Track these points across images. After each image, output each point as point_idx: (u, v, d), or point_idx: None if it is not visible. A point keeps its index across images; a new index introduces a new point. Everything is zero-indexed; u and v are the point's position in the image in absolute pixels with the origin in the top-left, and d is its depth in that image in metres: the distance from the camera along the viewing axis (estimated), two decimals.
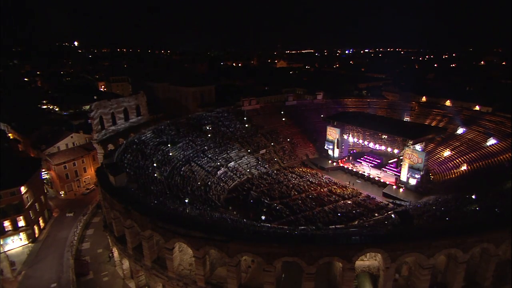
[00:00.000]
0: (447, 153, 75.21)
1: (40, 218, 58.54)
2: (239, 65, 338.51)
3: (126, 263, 44.48)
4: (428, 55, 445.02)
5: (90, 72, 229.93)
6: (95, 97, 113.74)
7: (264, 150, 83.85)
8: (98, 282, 45.75)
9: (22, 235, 54.00)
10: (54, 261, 49.81)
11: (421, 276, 31.03)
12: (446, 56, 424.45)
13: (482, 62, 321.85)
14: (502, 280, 33.89)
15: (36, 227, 56.25)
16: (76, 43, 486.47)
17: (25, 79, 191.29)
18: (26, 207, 54.11)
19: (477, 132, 76.99)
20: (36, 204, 57.66)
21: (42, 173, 69.35)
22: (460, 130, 79.99)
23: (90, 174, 75.90)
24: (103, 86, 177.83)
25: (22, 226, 53.68)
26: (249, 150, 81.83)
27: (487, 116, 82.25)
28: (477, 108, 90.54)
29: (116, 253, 46.13)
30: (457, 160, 70.82)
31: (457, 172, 67.13)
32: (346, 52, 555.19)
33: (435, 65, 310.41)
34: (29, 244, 54.05)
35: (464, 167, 66.49)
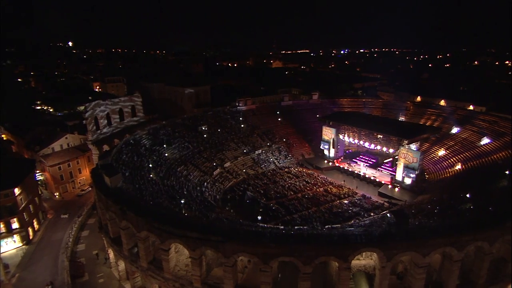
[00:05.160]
0: (441, 152, 75.87)
1: (34, 220, 57.94)
2: (235, 65, 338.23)
3: (121, 265, 44.21)
4: (423, 55, 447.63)
5: (85, 72, 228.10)
6: (90, 98, 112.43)
7: (260, 150, 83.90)
8: (93, 284, 45.40)
9: (16, 237, 53.38)
10: (49, 263, 49.28)
11: (417, 275, 31.23)
12: (441, 56, 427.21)
13: (476, 62, 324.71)
14: (496, 278, 34.26)
15: (30, 229, 55.65)
16: (70, 44, 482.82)
17: (19, 80, 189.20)
18: (20, 208, 53.57)
19: (471, 132, 77.83)
20: (30, 205, 57.06)
21: (36, 174, 68.73)
22: (455, 130, 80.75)
23: (85, 175, 75.42)
24: (98, 87, 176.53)
25: (16, 228, 53.09)
26: (245, 151, 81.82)
27: (481, 115, 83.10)
28: (471, 107, 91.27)
29: (111, 254, 45.83)
30: (452, 160, 71.50)
31: (451, 171, 67.76)
32: (342, 52, 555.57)
33: (430, 65, 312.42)
34: (23, 246, 53.45)
35: (458, 166, 67.14)
